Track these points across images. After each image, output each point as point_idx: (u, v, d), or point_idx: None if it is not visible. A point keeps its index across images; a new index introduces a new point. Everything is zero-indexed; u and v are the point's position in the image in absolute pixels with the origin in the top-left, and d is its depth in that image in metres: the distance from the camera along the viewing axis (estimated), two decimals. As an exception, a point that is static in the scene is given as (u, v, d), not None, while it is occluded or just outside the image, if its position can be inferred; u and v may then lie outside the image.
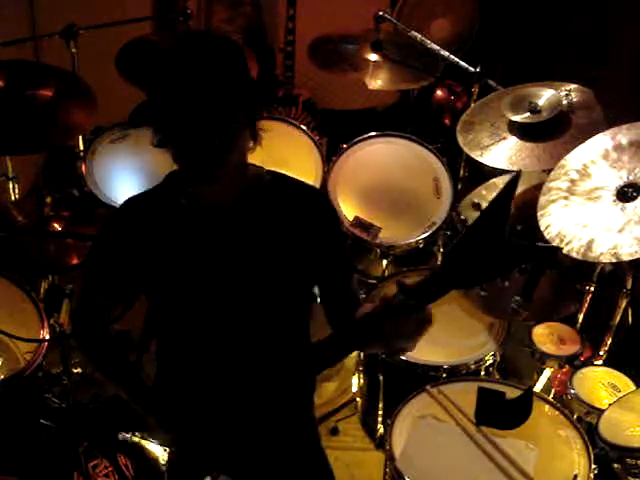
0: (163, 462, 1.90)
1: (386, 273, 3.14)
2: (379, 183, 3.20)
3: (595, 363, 2.75)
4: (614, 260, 2.29)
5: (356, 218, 3.07)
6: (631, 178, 2.38)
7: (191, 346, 1.86)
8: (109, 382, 2.00)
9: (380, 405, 2.85)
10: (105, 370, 1.96)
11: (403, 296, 1.52)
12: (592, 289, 2.73)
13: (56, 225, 2.85)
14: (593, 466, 2.18)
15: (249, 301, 1.77)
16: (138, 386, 1.93)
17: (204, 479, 1.83)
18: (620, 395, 2.50)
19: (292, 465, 1.97)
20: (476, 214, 2.81)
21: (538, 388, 2.72)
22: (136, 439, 1.96)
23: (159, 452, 1.91)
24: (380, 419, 2.88)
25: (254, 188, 1.75)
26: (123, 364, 1.95)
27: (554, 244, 1.80)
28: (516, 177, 1.48)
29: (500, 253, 1.45)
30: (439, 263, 1.49)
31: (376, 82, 3.33)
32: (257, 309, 1.78)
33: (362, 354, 2.93)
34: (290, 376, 1.79)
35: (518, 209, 2.78)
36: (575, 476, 2.16)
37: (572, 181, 2.46)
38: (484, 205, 2.83)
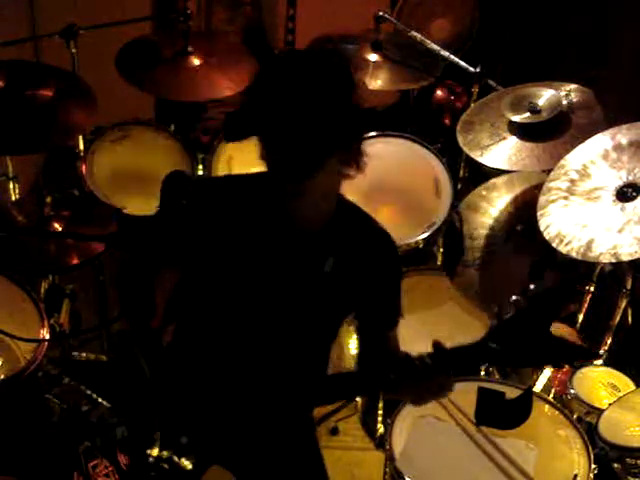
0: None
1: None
2: (379, 183, 3.19)
3: (595, 363, 2.75)
4: (614, 260, 2.29)
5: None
6: (631, 178, 2.38)
7: (209, 343, 1.86)
8: (134, 337, 1.97)
9: (380, 405, 2.85)
10: (134, 322, 1.94)
11: (434, 359, 1.56)
12: (592, 289, 2.73)
13: (56, 225, 2.85)
14: (593, 466, 2.19)
15: (285, 318, 1.77)
16: (158, 351, 1.92)
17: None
18: (620, 395, 2.50)
19: (287, 465, 1.97)
20: (475, 216, 2.82)
21: (538, 388, 2.72)
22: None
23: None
24: (380, 419, 2.88)
25: (336, 217, 1.75)
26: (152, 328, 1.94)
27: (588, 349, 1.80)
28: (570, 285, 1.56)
29: (542, 346, 1.48)
30: (482, 337, 1.53)
31: (376, 82, 3.33)
32: (289, 328, 1.78)
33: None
34: (297, 399, 1.79)
35: (518, 209, 2.79)
36: (575, 476, 2.16)
37: (572, 181, 2.46)
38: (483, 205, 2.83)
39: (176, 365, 1.96)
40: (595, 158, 2.46)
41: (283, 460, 1.97)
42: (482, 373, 2.71)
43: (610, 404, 2.40)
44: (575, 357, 1.56)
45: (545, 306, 1.49)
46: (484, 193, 2.88)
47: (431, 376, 1.57)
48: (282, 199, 1.66)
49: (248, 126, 1.59)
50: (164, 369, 1.94)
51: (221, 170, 3.16)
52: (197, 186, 1.80)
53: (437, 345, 1.57)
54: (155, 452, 1.82)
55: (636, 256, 2.25)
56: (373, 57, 3.37)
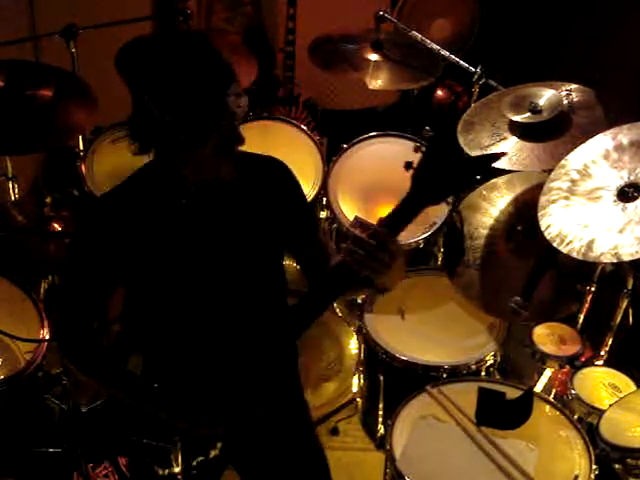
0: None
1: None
2: (379, 183, 3.19)
3: (596, 363, 2.74)
4: (615, 260, 2.28)
5: (356, 218, 3.06)
6: (632, 178, 2.38)
7: (178, 326, 1.91)
8: (103, 387, 2.02)
9: (380, 405, 2.84)
10: (95, 373, 1.96)
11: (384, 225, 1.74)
12: (593, 289, 2.73)
13: (56, 225, 2.85)
14: (594, 467, 2.18)
15: (229, 274, 1.88)
16: (135, 384, 1.94)
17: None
18: (621, 395, 2.49)
19: (281, 440, 2.03)
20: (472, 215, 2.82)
21: (539, 388, 2.72)
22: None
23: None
24: (380, 419, 2.87)
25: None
26: (113, 364, 1.96)
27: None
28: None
29: (459, 166, 1.70)
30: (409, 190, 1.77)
31: (376, 82, 3.33)
32: (237, 281, 1.89)
33: (362, 354, 2.93)
34: (274, 338, 1.85)
35: (518, 209, 2.79)
36: (576, 477, 2.16)
37: (573, 181, 2.46)
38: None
39: (159, 369, 1.97)
40: (596, 158, 2.45)
41: (286, 457, 2.00)
42: (483, 373, 2.70)
43: (611, 405, 2.39)
44: (486, 164, 1.75)
45: (447, 134, 1.77)
46: (484, 193, 2.87)
47: (384, 245, 1.74)
48: (182, 172, 1.80)
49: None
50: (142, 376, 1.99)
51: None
52: (99, 202, 1.93)
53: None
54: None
55: (637, 256, 2.24)
56: (373, 57, 3.37)
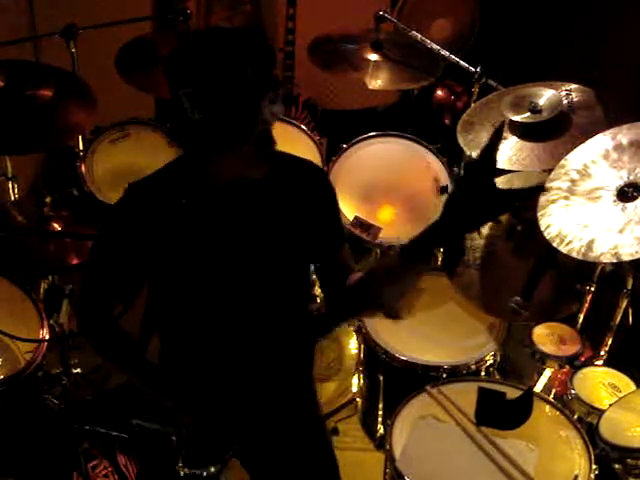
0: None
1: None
2: (379, 183, 3.19)
3: (595, 363, 2.74)
4: (615, 260, 2.28)
5: (356, 218, 3.07)
6: (631, 178, 2.38)
7: (198, 318, 1.88)
8: (121, 371, 2.01)
9: (380, 405, 2.84)
10: (117, 361, 1.96)
11: (397, 256, 1.65)
12: (592, 289, 2.73)
13: (56, 225, 2.85)
14: (594, 466, 2.18)
15: (256, 275, 1.83)
16: (151, 372, 1.93)
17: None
18: (621, 395, 2.49)
19: (294, 442, 2.02)
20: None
21: (538, 388, 2.72)
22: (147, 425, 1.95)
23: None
24: (380, 419, 2.87)
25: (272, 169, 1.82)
26: (134, 352, 1.95)
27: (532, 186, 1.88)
28: (501, 126, 1.63)
29: (491, 199, 1.57)
30: (437, 217, 1.64)
31: (376, 82, 3.33)
32: (261, 278, 1.83)
33: (362, 354, 2.93)
34: (293, 345, 1.85)
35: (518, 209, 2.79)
36: (576, 477, 2.16)
37: (572, 181, 2.46)
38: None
39: (176, 365, 1.96)
40: (596, 158, 2.45)
41: (297, 457, 2.01)
42: (482, 373, 2.70)
43: (611, 404, 2.39)
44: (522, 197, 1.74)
45: (483, 165, 1.58)
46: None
47: (402, 268, 1.67)
48: (209, 170, 1.76)
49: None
50: (161, 375, 1.96)
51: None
52: (126, 196, 1.84)
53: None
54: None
55: (637, 256, 2.24)
56: (373, 57, 3.37)
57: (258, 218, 1.82)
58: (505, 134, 2.83)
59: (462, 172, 1.67)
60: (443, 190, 1.68)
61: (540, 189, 1.64)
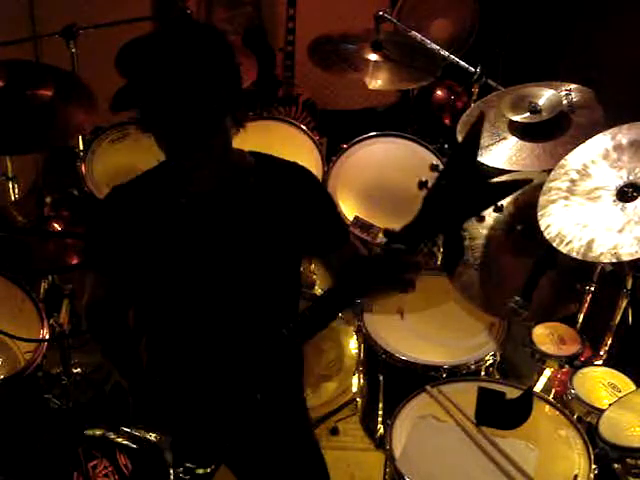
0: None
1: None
2: (379, 183, 3.20)
3: (595, 363, 2.74)
4: (614, 260, 2.29)
5: (356, 218, 3.07)
6: (631, 178, 2.38)
7: (181, 328, 1.90)
8: (106, 359, 2.04)
9: (380, 405, 2.84)
10: (106, 346, 1.99)
11: (391, 242, 1.59)
12: (592, 289, 2.73)
13: (56, 225, 2.85)
14: (593, 466, 2.18)
15: (240, 278, 1.83)
16: (135, 370, 1.96)
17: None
18: (620, 395, 2.49)
19: (282, 445, 2.01)
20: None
21: (538, 388, 2.72)
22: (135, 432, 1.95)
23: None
24: (380, 419, 2.88)
25: (238, 170, 1.80)
26: (128, 350, 1.97)
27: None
28: (481, 118, 1.55)
29: (476, 189, 1.51)
30: (420, 206, 1.57)
31: (376, 82, 3.33)
32: (249, 286, 1.84)
33: (362, 354, 2.93)
34: (277, 342, 1.80)
35: (518, 209, 2.78)
36: (575, 476, 2.16)
37: (572, 181, 2.46)
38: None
39: (159, 361, 1.97)
40: (595, 158, 2.46)
41: (282, 457, 1.99)
42: (482, 373, 2.70)
43: (610, 404, 2.39)
44: (507, 190, 1.58)
45: (466, 155, 1.52)
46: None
47: (398, 259, 1.61)
48: (182, 176, 1.74)
49: (133, 100, 1.63)
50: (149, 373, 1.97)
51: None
52: (110, 194, 1.86)
53: (387, 230, 1.62)
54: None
55: (636, 256, 2.24)
56: (373, 57, 3.37)
57: (238, 221, 1.81)
58: (505, 134, 2.83)
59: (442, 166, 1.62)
60: (422, 185, 1.64)
61: (525, 183, 1.58)
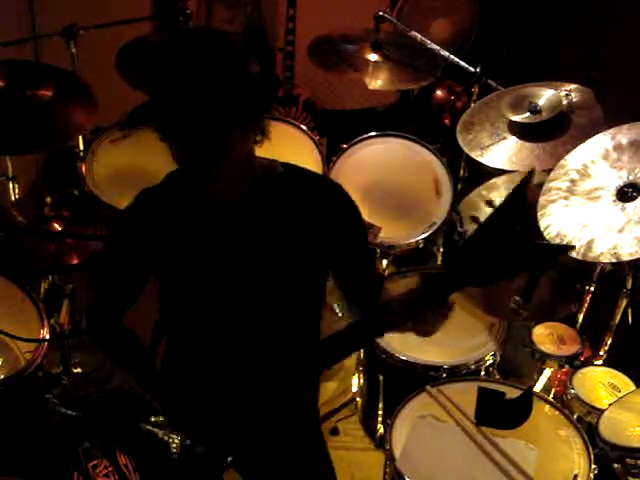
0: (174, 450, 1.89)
1: (386, 273, 3.14)
2: (379, 183, 3.20)
3: (595, 363, 2.74)
4: (614, 260, 2.29)
5: (356, 218, 3.07)
6: (631, 178, 2.38)
7: (200, 339, 1.87)
8: (122, 373, 1.98)
9: (380, 405, 2.84)
10: (118, 359, 1.94)
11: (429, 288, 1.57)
12: (592, 289, 2.73)
13: (56, 225, 2.85)
14: (593, 466, 2.19)
15: (259, 295, 1.78)
16: (151, 375, 1.91)
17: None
18: (620, 395, 2.50)
19: (294, 458, 1.99)
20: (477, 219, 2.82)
21: (538, 388, 2.72)
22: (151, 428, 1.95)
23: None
24: (380, 419, 2.88)
25: (264, 182, 1.73)
26: (137, 353, 1.93)
27: (564, 243, 1.78)
28: (529, 175, 1.47)
29: (515, 251, 1.43)
30: (450, 259, 1.50)
31: (376, 82, 3.33)
32: (267, 304, 1.79)
33: (362, 354, 2.93)
34: (298, 369, 1.80)
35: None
36: (575, 476, 2.16)
37: (572, 181, 2.46)
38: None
39: (177, 371, 1.96)
40: (595, 158, 2.46)
41: (291, 460, 1.99)
42: (482, 373, 2.70)
43: (610, 404, 2.40)
44: (551, 255, 1.47)
45: (507, 213, 1.44)
46: (484, 193, 2.87)
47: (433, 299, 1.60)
48: (199, 188, 1.67)
49: (150, 115, 1.59)
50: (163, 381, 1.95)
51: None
52: (136, 202, 1.81)
53: (425, 274, 1.62)
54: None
55: (636, 256, 2.24)
56: (373, 57, 3.37)
57: (260, 231, 1.75)
58: (505, 134, 2.84)
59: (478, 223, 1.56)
60: (474, 220, 1.55)
61: (568, 248, 1.48)
